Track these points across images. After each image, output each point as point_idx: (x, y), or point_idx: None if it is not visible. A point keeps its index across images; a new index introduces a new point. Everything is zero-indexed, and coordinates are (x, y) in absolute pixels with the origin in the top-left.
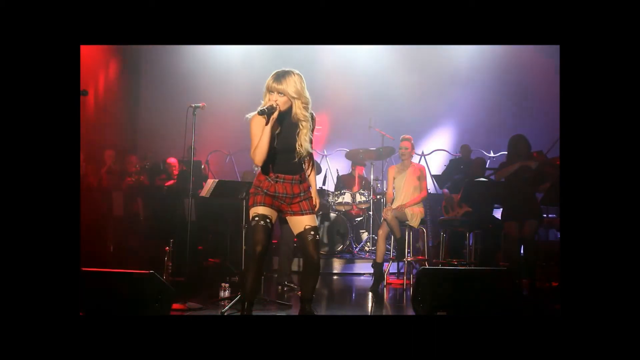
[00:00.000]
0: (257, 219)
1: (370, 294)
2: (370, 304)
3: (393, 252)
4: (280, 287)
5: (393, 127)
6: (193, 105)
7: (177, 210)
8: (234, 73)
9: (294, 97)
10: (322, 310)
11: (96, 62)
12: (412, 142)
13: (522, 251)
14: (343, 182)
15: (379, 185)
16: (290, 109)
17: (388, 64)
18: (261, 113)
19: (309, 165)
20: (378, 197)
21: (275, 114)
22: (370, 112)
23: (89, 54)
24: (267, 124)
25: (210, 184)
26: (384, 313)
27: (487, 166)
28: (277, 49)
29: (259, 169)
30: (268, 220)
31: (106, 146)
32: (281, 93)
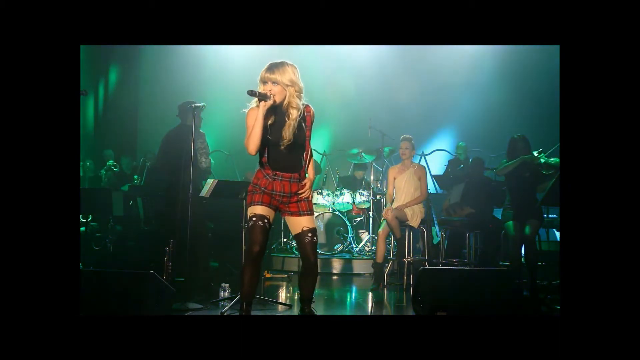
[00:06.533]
0: (254, 219)
1: (370, 294)
2: (370, 304)
3: (393, 252)
4: None
5: (393, 127)
6: (193, 105)
7: (177, 210)
8: (233, 73)
9: (287, 85)
10: (322, 310)
11: (96, 63)
12: (412, 142)
13: (522, 251)
14: (343, 183)
15: (379, 185)
16: (284, 101)
17: (388, 64)
18: (252, 94)
19: (306, 158)
20: (378, 197)
21: (269, 103)
22: (370, 112)
23: (90, 54)
24: (258, 102)
25: (210, 184)
26: (384, 313)
27: (485, 166)
28: (277, 49)
29: (259, 166)
30: (266, 220)
31: (106, 146)
32: (275, 83)
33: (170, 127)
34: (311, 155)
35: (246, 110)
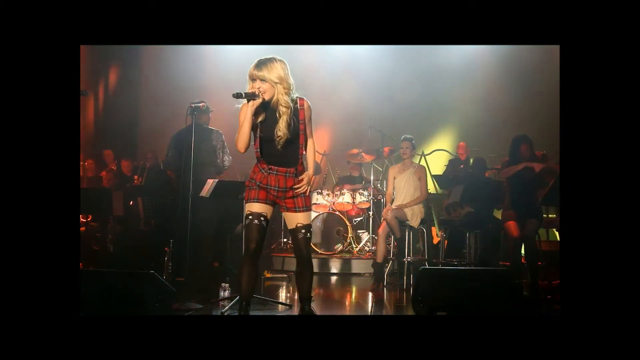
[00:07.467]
0: (250, 217)
1: (370, 294)
2: (370, 304)
3: (393, 252)
4: None
5: (393, 127)
6: (193, 104)
7: (177, 210)
8: (233, 73)
9: (275, 82)
10: (322, 310)
11: (96, 62)
12: (413, 142)
13: (522, 251)
14: (343, 183)
15: (379, 185)
16: (273, 98)
17: (388, 64)
18: (237, 96)
19: (302, 152)
20: (378, 197)
21: (258, 101)
22: (370, 112)
23: (90, 54)
24: (247, 102)
25: (210, 184)
26: (384, 313)
27: (487, 166)
28: (277, 49)
29: (256, 160)
30: (262, 218)
31: (106, 146)
32: (263, 80)
33: (171, 127)
34: (313, 150)
35: (239, 106)
